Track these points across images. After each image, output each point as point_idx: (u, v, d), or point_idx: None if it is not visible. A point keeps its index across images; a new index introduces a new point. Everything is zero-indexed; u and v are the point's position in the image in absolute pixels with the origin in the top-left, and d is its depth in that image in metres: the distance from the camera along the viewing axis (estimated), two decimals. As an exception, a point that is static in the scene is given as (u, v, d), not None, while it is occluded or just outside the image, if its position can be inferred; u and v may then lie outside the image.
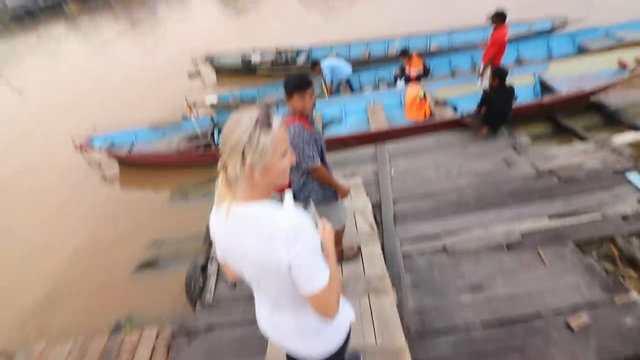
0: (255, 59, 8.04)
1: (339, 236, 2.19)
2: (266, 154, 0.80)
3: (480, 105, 4.02)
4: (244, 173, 0.80)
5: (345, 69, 5.64)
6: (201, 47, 9.92)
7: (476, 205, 3.17)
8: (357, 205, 3.19)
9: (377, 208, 3.30)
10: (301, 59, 7.62)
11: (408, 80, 5.57)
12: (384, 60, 6.69)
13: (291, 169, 1.80)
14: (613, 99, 4.51)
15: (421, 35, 7.23)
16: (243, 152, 0.78)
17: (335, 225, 2.08)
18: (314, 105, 1.74)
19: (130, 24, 20.84)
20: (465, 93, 4.91)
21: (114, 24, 22.46)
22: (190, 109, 5.27)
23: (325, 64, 5.54)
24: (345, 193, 1.96)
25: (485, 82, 4.49)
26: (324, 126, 4.99)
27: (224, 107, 5.94)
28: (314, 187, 1.90)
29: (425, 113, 4.57)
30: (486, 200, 3.21)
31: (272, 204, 0.85)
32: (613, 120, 4.28)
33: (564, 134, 4.28)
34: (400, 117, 4.83)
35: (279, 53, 8.00)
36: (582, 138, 4.06)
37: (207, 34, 13.22)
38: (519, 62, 5.94)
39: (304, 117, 1.73)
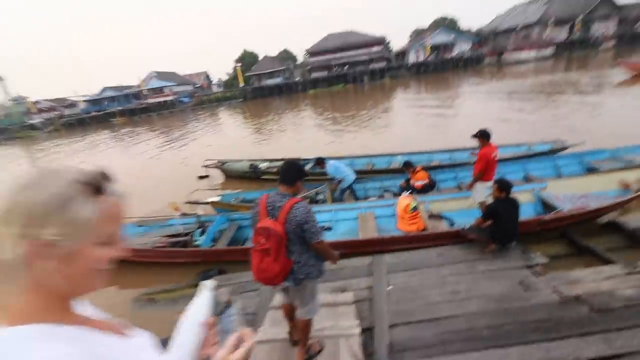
0: (263, 165, 8.57)
1: (308, 328, 2.19)
2: (81, 231, 0.53)
3: (484, 218, 3.77)
4: (26, 259, 0.50)
5: (349, 172, 5.68)
6: (218, 154, 10.92)
7: (492, 337, 2.57)
8: (342, 329, 2.63)
9: (368, 334, 2.71)
10: (306, 168, 8.02)
11: (414, 192, 5.54)
12: (388, 171, 6.77)
13: (292, 248, 1.92)
14: (631, 219, 4.22)
15: (423, 152, 7.60)
16: (36, 221, 0.50)
17: (309, 314, 2.13)
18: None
19: (163, 134, 23.65)
20: (460, 208, 4.79)
21: (150, 133, 25.54)
22: (176, 208, 5.21)
23: (330, 163, 5.68)
24: (336, 257, 2.09)
25: (477, 196, 4.36)
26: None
27: (224, 207, 5.89)
28: (315, 264, 2.02)
29: (417, 226, 4.39)
30: (504, 333, 2.61)
31: (46, 335, 0.50)
32: (635, 241, 3.90)
33: (582, 255, 3.88)
34: (392, 228, 4.64)
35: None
36: (604, 260, 3.63)
37: (227, 145, 14.86)
38: (527, 179, 5.93)
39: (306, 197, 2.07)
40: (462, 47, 45.29)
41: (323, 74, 45.18)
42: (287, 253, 1.93)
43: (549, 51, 38.53)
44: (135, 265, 4.80)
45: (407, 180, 5.80)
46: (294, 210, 1.90)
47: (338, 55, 46.00)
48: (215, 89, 58.32)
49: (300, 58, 57.78)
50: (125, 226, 5.17)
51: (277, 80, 47.51)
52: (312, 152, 9.43)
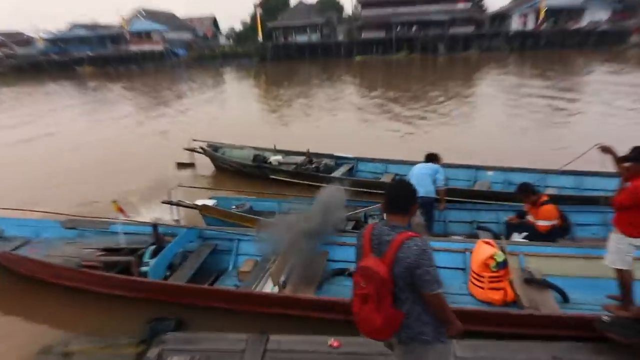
0: (274, 159, 8.29)
1: None
2: None
3: None
4: None
5: (427, 185, 5.49)
6: (211, 135, 10.86)
7: None
8: None
9: None
10: (341, 171, 7.74)
11: (534, 235, 5.13)
12: (477, 194, 6.44)
13: (402, 296, 2.14)
14: None
15: (530, 171, 6.99)
16: None
17: None
18: None
19: (143, 95, 24.30)
20: (582, 272, 4.46)
21: (126, 92, 26.34)
22: (119, 208, 5.05)
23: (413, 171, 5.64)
24: (459, 328, 2.24)
25: (615, 257, 3.89)
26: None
27: (218, 217, 5.81)
28: (430, 322, 2.18)
29: (506, 293, 4.18)
30: None
31: None
32: None
33: None
34: (459, 290, 4.46)
35: (309, 157, 8.20)
36: None
37: (227, 123, 14.92)
38: None
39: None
40: (597, 15, 43.29)
41: (379, 34, 44.94)
42: (395, 301, 2.13)
43: None
44: (51, 289, 4.61)
45: (522, 215, 5.45)
46: (404, 247, 2.09)
47: (404, 9, 45.60)
48: (223, 41, 59.79)
49: (348, 9, 57.92)
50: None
51: (312, 37, 47.90)
52: (349, 147, 9.09)
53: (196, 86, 27.19)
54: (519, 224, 5.38)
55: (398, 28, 44.61)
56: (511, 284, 4.16)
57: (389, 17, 44.88)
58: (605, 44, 39.43)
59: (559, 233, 5.22)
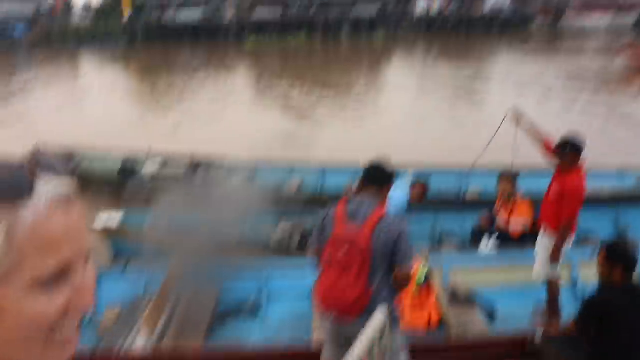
0: (149, 168, 7.86)
1: None
2: None
3: (580, 322, 3.25)
4: None
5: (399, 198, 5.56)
6: (68, 139, 9.94)
7: None
8: None
9: None
10: (236, 179, 7.51)
11: (506, 239, 5.31)
12: (441, 203, 6.67)
13: (373, 273, 2.48)
14: None
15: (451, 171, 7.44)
16: None
17: None
18: None
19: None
20: (509, 283, 4.68)
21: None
22: None
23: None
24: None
25: (545, 269, 4.15)
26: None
27: (125, 237, 5.66)
28: (388, 298, 2.55)
29: (430, 316, 4.26)
30: None
31: None
32: None
33: None
34: None
35: (194, 165, 7.94)
36: None
37: (89, 125, 13.97)
38: (619, 236, 5.88)
39: None
40: (499, 1, 47.69)
41: (274, 14, 44.97)
42: (369, 278, 2.42)
43: (630, 18, 41.55)
44: None
45: (492, 218, 5.57)
46: (386, 219, 2.45)
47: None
48: (78, 18, 55.46)
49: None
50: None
51: (194, 14, 46.39)
52: (240, 147, 9.02)
53: (45, 76, 24.80)
54: (489, 227, 5.54)
55: (297, 7, 45.06)
56: (436, 303, 4.25)
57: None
58: (508, 29, 43.55)
59: (529, 237, 5.37)
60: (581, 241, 5.30)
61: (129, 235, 5.72)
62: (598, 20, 41.51)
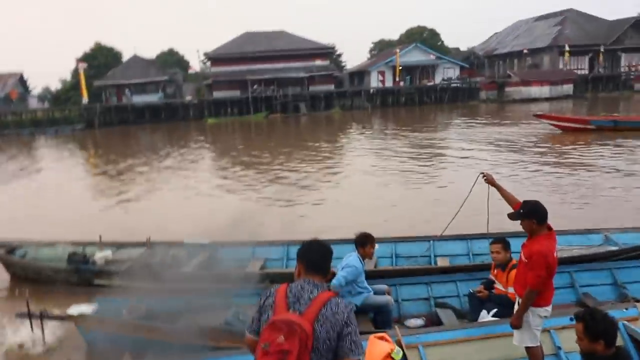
0: (100, 256, 7.51)
1: None
2: None
3: None
4: None
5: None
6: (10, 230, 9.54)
7: None
8: None
9: None
10: (194, 263, 7.32)
11: (506, 306, 5.14)
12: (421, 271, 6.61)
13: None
14: None
15: (419, 240, 7.48)
16: None
17: None
18: None
19: None
20: (485, 356, 4.53)
21: None
22: None
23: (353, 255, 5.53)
24: None
25: (525, 336, 4.05)
26: None
27: (107, 330, 5.32)
28: None
29: None
30: None
31: None
32: None
33: None
34: None
35: (149, 247, 7.65)
36: None
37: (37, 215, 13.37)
38: (580, 303, 5.87)
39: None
40: (448, 73, 51.28)
41: (233, 93, 46.37)
42: None
43: (567, 88, 45.63)
44: None
45: (489, 285, 5.49)
46: (332, 304, 2.28)
47: (259, 66, 48.09)
48: (34, 103, 55.30)
49: (195, 65, 58.85)
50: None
51: (154, 97, 47.17)
52: (206, 226, 8.67)
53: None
54: (486, 297, 5.39)
55: (255, 86, 46.45)
56: None
57: (244, 75, 46.67)
58: (458, 100, 47.00)
59: None
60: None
61: (105, 325, 5.38)
62: (540, 90, 44.70)
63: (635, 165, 14.36)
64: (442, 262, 7.15)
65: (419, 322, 5.72)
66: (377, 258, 6.83)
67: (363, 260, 5.46)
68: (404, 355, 4.09)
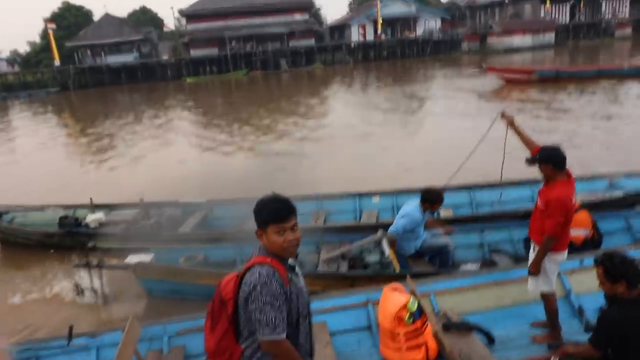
0: (93, 219, 7.40)
1: None
2: None
3: (596, 343, 3.11)
4: None
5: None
6: None
7: None
8: None
9: None
10: (192, 222, 7.29)
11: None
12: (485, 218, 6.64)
13: (244, 330, 2.17)
14: None
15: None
16: None
17: None
18: (298, 242, 2.17)
19: None
20: (497, 302, 4.57)
21: None
22: None
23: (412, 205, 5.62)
24: None
25: (540, 281, 4.06)
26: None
27: (165, 278, 5.46)
28: None
29: (427, 349, 4.00)
30: None
31: None
32: None
33: None
34: (372, 355, 4.28)
35: (145, 209, 7.54)
36: None
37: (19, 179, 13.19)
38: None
39: (282, 259, 2.16)
40: (429, 25, 50.52)
41: (211, 51, 45.18)
42: (236, 333, 2.17)
43: (548, 37, 45.52)
44: None
45: None
46: (249, 273, 2.10)
47: (237, 22, 46.77)
48: (4, 67, 53.71)
49: (170, 23, 57.04)
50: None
51: (129, 57, 45.73)
52: (192, 189, 8.72)
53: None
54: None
55: (233, 43, 45.39)
56: (431, 336, 3.97)
57: (222, 32, 45.50)
58: (440, 52, 46.78)
59: (591, 245, 5.34)
60: None
61: (163, 272, 5.56)
62: (521, 39, 44.53)
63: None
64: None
65: (474, 266, 5.79)
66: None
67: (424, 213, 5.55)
68: (419, 305, 4.09)
